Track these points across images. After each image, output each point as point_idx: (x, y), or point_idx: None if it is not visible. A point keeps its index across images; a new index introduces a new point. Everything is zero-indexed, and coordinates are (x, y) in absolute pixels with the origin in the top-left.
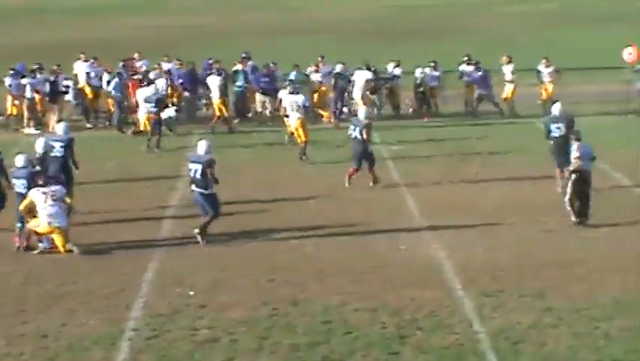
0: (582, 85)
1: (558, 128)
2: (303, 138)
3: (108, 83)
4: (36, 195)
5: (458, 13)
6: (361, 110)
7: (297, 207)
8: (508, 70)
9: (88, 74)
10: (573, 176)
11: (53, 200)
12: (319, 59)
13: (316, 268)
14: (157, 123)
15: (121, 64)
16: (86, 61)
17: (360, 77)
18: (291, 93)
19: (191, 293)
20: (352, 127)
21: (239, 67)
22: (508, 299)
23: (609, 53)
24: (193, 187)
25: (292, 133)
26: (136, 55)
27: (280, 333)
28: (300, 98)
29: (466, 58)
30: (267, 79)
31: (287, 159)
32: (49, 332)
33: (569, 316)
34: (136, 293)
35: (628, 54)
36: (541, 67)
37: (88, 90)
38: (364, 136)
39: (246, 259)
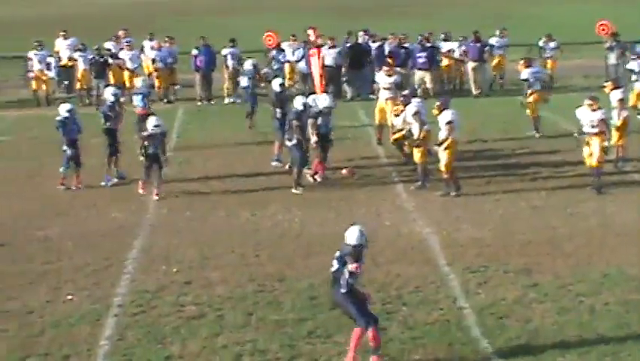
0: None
1: None
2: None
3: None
4: None
5: None
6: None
7: (281, 184)
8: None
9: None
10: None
11: None
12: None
13: (302, 244)
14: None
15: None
16: (66, 38)
17: None
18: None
19: (176, 270)
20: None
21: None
22: (493, 275)
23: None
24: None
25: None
26: (120, 32)
27: (266, 309)
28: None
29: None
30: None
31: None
32: (34, 309)
33: (554, 291)
34: (121, 270)
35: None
36: (542, 42)
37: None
38: None
39: (232, 236)
